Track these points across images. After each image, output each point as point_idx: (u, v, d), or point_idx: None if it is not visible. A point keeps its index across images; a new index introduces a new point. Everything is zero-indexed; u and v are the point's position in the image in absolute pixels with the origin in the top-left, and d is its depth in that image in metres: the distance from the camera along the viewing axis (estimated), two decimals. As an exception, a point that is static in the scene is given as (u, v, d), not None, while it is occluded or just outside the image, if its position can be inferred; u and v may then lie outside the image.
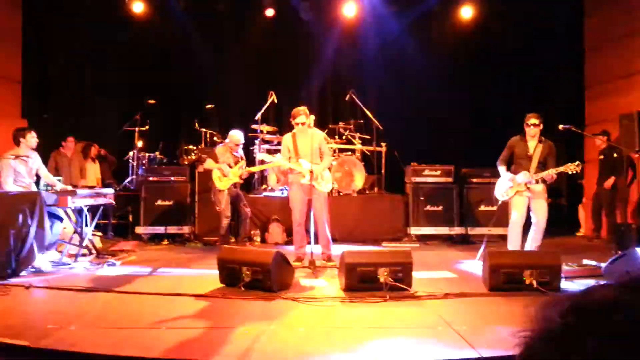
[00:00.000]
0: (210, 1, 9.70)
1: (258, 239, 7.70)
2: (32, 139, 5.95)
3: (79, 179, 8.10)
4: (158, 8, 9.80)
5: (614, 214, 7.87)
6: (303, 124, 5.85)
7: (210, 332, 3.42)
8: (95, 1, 9.25)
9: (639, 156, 6.22)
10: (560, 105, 9.03)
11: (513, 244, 5.81)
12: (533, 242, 5.72)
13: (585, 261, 5.60)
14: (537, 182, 5.67)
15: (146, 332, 3.42)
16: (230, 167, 6.92)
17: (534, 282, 4.33)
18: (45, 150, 7.32)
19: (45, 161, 6.88)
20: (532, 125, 5.71)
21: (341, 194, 8.16)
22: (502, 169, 5.94)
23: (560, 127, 5.81)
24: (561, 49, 9.29)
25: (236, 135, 7.03)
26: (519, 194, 5.75)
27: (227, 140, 7.14)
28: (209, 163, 6.99)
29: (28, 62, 8.85)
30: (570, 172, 5.50)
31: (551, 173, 5.52)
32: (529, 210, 5.77)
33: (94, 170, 8.68)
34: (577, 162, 5.47)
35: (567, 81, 9.41)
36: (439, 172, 8.15)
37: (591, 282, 3.96)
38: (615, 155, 7.74)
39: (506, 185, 5.86)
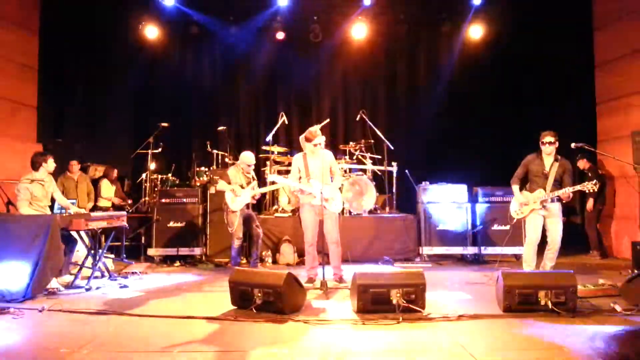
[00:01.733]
0: (221, 24, 9.86)
1: (269, 260, 7.69)
2: (52, 164, 6.12)
3: (85, 202, 8.18)
4: (170, 33, 10.03)
5: (598, 230, 8.24)
6: (320, 144, 5.88)
7: (223, 356, 3.40)
8: (107, 27, 9.48)
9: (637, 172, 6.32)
10: (572, 121, 8.97)
11: (528, 264, 5.74)
12: (548, 261, 5.66)
13: (601, 280, 5.51)
14: (552, 200, 5.63)
15: (158, 356, 3.42)
16: (243, 188, 6.96)
17: (549, 303, 4.28)
18: (55, 174, 7.42)
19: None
20: (548, 143, 5.68)
21: (352, 214, 8.13)
22: (515, 187, 5.89)
23: (573, 145, 5.76)
24: (571, 64, 9.25)
25: (247, 157, 7.08)
26: (535, 212, 5.70)
27: (238, 162, 7.19)
28: (221, 185, 7.03)
29: (44, 88, 9.03)
30: (587, 191, 5.45)
31: (568, 191, 5.48)
32: (544, 229, 5.71)
33: (111, 192, 8.78)
34: (595, 181, 5.44)
35: (578, 97, 9.35)
36: (450, 192, 8.11)
37: (608, 301, 3.89)
38: (589, 175, 7.91)
39: (521, 203, 5.80)
